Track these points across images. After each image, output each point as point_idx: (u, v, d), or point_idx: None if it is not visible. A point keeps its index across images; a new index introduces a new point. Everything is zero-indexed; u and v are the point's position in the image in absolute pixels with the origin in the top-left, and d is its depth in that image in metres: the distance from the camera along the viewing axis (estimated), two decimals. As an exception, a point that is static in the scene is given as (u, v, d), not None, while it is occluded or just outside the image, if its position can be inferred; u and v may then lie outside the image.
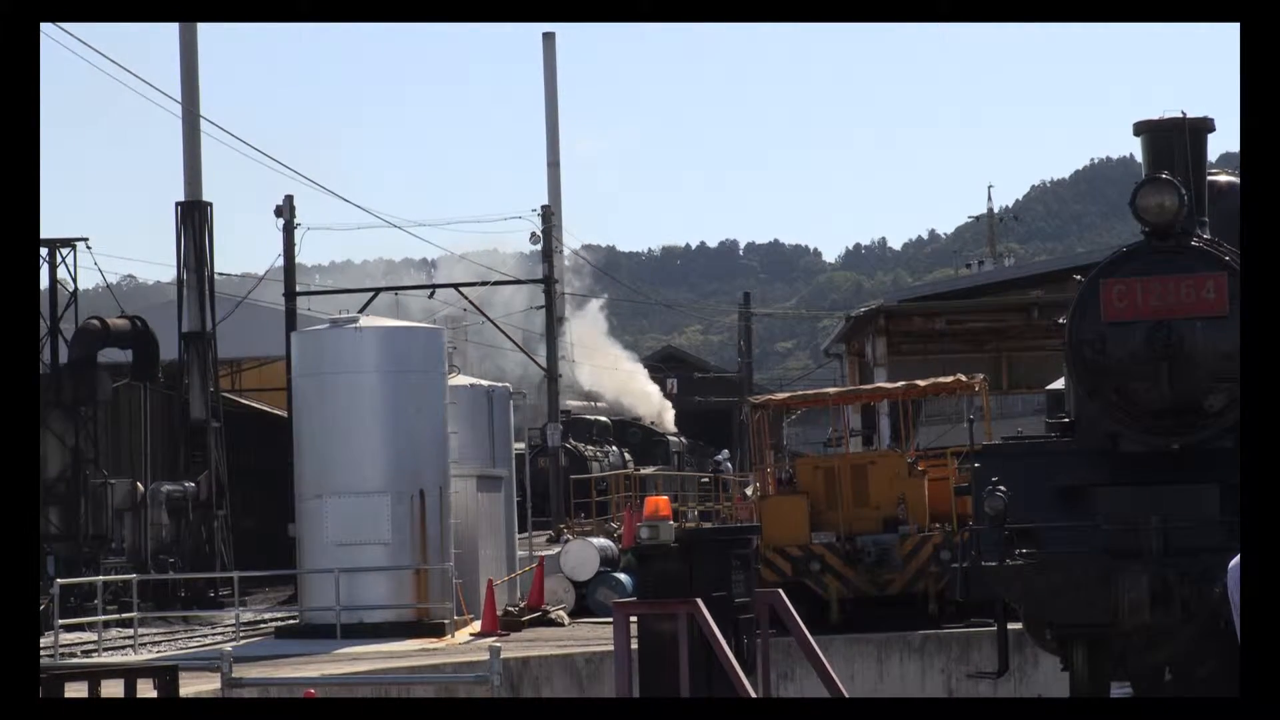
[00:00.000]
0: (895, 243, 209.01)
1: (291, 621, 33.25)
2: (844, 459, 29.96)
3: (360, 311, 39.31)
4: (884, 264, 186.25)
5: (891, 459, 29.55)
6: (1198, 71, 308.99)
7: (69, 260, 44.34)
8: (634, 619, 16.19)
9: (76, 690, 14.17)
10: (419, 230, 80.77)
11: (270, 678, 21.37)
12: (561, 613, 32.54)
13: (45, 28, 27.45)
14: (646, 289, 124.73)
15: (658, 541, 16.19)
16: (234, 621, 35.02)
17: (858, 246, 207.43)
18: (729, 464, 63.75)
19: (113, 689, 14.62)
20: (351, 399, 30.35)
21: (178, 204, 46.52)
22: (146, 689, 15.03)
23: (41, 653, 26.88)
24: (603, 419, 65.14)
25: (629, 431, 66.00)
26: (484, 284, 55.70)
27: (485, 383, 37.51)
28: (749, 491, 42.27)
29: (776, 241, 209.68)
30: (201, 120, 46.41)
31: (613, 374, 74.34)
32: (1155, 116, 16.65)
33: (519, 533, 36.87)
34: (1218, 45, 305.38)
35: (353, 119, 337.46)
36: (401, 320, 37.14)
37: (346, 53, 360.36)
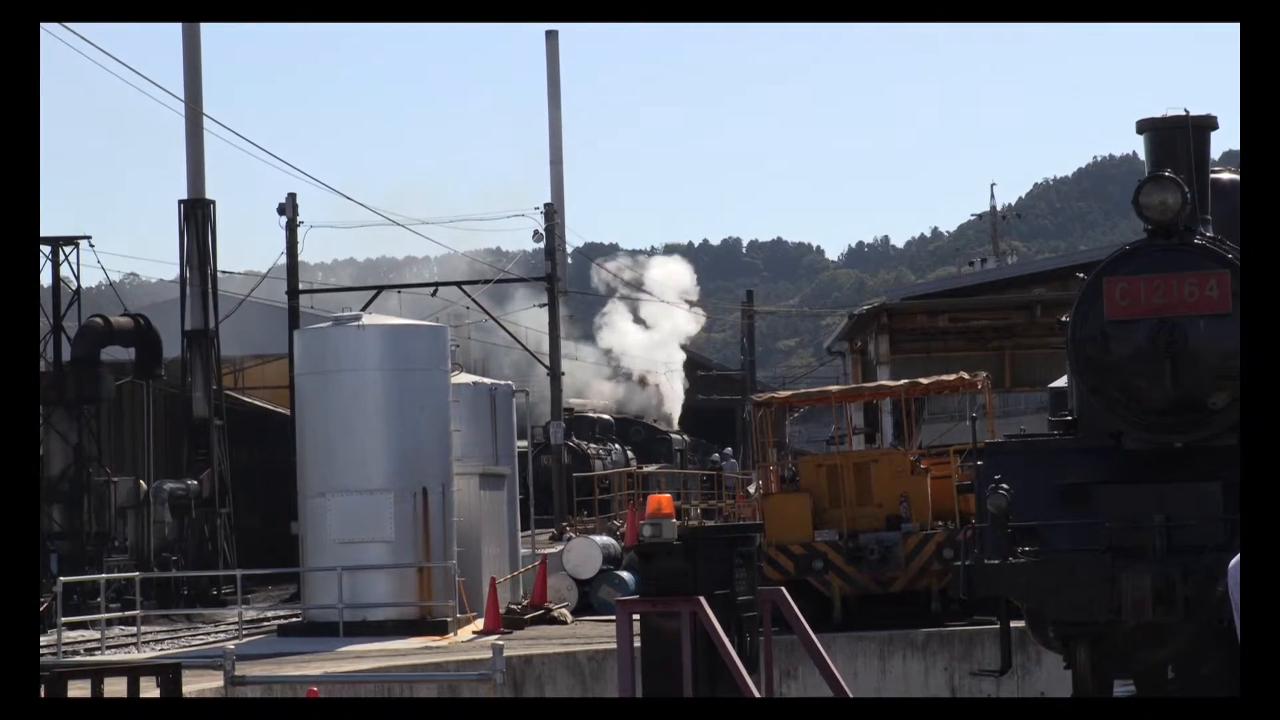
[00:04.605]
0: (898, 240, 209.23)
1: (294, 619, 33.28)
2: (847, 457, 29.94)
3: (363, 309, 39.31)
4: (887, 262, 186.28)
5: (894, 457, 29.53)
6: (1201, 69, 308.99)
7: (72, 258, 44.43)
8: (637, 617, 16.20)
9: (79, 688, 14.17)
10: (422, 228, 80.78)
11: (273, 676, 21.39)
12: (564, 611, 32.54)
13: (49, 26, 27.49)
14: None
15: (661, 539, 16.20)
16: (237, 619, 35.05)
17: (860, 244, 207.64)
18: (733, 461, 63.73)
19: (116, 687, 14.62)
20: (354, 397, 30.36)
21: (180, 202, 46.58)
22: (150, 687, 15.04)
23: (44, 651, 26.90)
24: (605, 417, 65.16)
25: (632, 429, 66.02)
26: (487, 281, 55.70)
27: (488, 380, 37.54)
28: (752, 489, 42.29)
29: (779, 239, 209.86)
30: (204, 118, 46.46)
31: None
32: (1158, 114, 16.64)
33: (522, 531, 36.89)
34: (1219, 44, 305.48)
35: (355, 117, 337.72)
36: (404, 318, 37.13)
37: (349, 51, 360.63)
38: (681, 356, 75.87)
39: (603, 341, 75.20)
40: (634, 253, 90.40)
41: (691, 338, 78.42)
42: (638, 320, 75.38)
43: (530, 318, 58.37)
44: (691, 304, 79.07)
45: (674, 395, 75.02)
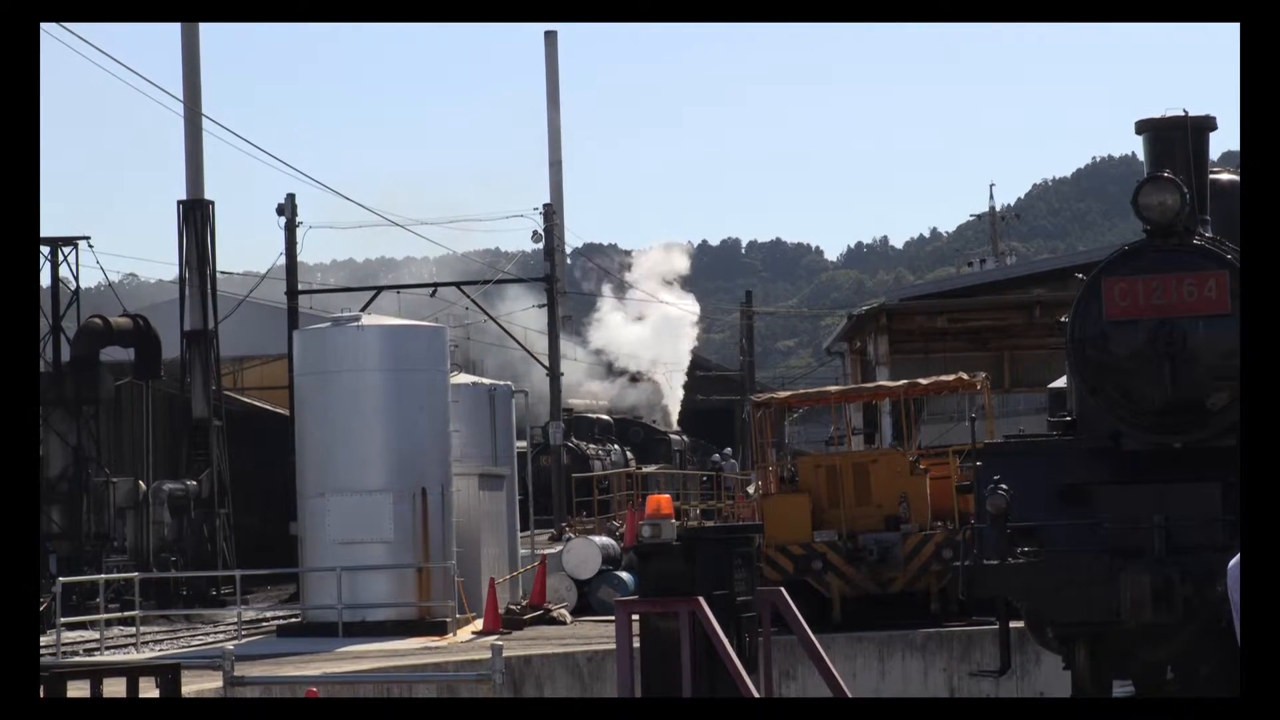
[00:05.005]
0: (897, 241, 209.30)
1: (293, 620, 33.27)
2: (846, 457, 29.94)
3: (362, 310, 39.31)
4: (886, 262, 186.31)
5: (893, 457, 29.53)
6: (1201, 69, 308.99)
7: (71, 259, 44.39)
8: (636, 617, 16.20)
9: (78, 689, 14.16)
10: (421, 229, 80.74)
11: (272, 676, 21.38)
12: (563, 611, 32.54)
13: (47, 27, 27.47)
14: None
15: (660, 540, 16.20)
16: (236, 620, 35.04)
17: (859, 245, 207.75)
18: (734, 461, 63.69)
19: (115, 688, 14.61)
20: (354, 397, 30.36)
21: (180, 202, 46.58)
22: (149, 688, 15.03)
23: (44, 651, 26.89)
24: (605, 417, 65.11)
25: (631, 430, 65.99)
26: (486, 282, 55.70)
27: (487, 381, 37.54)
28: (751, 490, 42.28)
29: (778, 240, 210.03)
30: (203, 118, 46.46)
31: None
32: (1157, 115, 16.65)
33: (521, 531, 36.89)
34: (1218, 44, 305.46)
35: (354, 117, 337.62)
36: (404, 319, 37.12)
37: (348, 51, 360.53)
38: (684, 346, 75.74)
39: (595, 339, 75.14)
40: (628, 253, 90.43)
41: (691, 325, 78.13)
42: (630, 315, 75.31)
43: (524, 317, 58.36)
44: (690, 294, 78.84)
45: (672, 390, 74.94)
